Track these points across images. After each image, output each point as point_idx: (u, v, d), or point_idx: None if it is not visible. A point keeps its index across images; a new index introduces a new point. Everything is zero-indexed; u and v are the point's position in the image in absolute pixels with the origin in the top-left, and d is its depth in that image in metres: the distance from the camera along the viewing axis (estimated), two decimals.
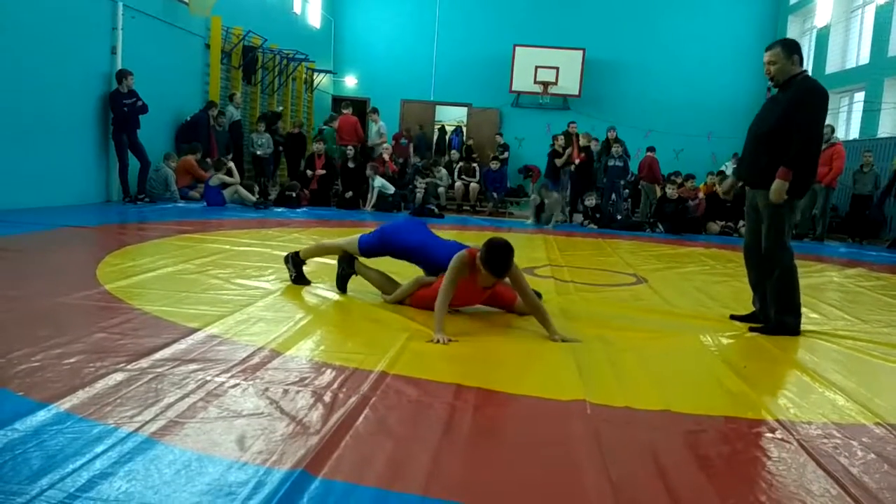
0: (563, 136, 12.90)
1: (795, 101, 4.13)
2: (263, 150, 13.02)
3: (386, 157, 13.20)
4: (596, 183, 13.15)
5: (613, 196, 12.91)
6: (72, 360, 2.88)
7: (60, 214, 7.82)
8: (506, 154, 15.13)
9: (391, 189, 12.17)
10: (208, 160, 11.48)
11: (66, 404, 2.40)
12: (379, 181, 12.06)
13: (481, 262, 3.83)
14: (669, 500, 2.01)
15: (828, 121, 13.38)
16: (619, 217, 12.59)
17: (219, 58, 12.52)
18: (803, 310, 5.06)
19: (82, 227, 7.20)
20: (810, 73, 15.72)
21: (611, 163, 12.86)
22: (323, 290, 4.71)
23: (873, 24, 14.46)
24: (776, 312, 4.35)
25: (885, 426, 2.76)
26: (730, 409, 2.90)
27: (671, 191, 11.81)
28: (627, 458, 2.31)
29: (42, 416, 2.29)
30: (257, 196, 11.09)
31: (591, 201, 12.13)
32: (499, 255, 3.81)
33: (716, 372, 3.45)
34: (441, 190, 13.38)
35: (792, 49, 4.25)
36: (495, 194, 13.80)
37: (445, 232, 9.34)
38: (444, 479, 2.07)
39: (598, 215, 12.06)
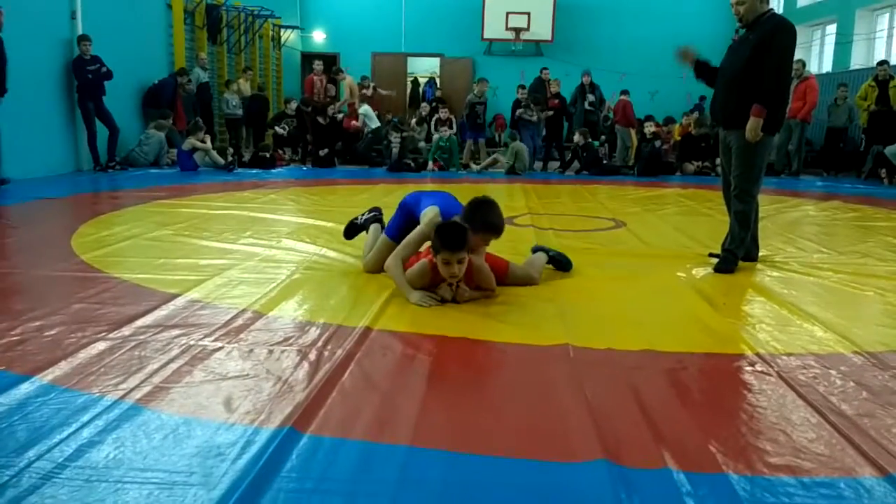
0: (522, 88, 12.91)
1: (764, 39, 4.14)
2: (234, 112, 12.84)
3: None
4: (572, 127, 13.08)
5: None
6: (52, 332, 2.86)
7: (30, 187, 7.68)
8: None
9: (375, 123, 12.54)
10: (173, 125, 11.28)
11: (48, 376, 2.39)
12: (364, 108, 12.42)
13: (434, 252, 3.41)
14: (652, 435, 2.05)
15: (800, 55, 13.50)
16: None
17: (182, 18, 12.21)
18: (781, 244, 5.15)
19: (54, 198, 7.08)
20: (782, 8, 15.54)
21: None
22: (304, 249, 4.68)
23: None
24: (724, 249, 4.45)
25: (862, 354, 2.81)
26: (710, 346, 2.95)
27: (649, 130, 11.73)
28: (610, 397, 2.35)
29: (25, 388, 2.28)
30: (229, 158, 10.95)
31: (579, 139, 11.93)
32: (445, 232, 3.36)
33: (696, 310, 3.49)
34: (422, 144, 13.24)
35: None
36: (478, 145, 13.69)
37: (426, 186, 9.31)
38: (431, 429, 2.09)
39: (584, 154, 11.88)
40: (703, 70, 4.57)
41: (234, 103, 12.82)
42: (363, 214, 4.64)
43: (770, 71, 4.11)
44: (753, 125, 4.14)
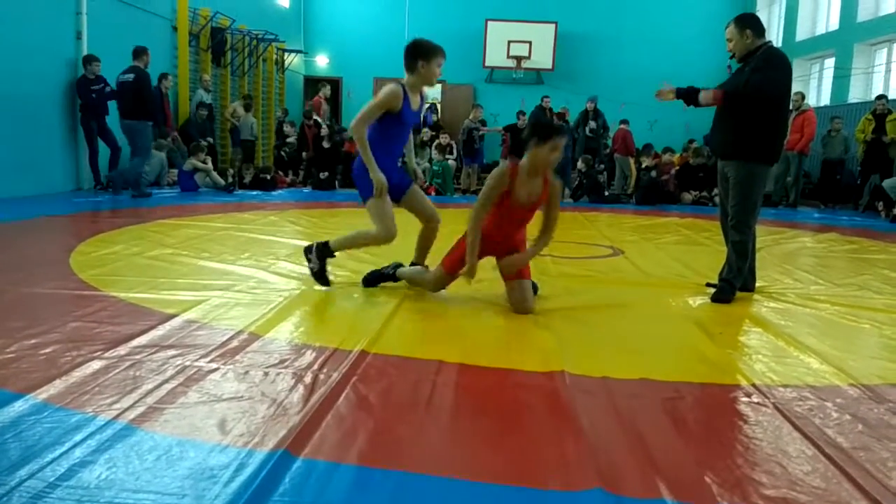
0: (521, 115, 13.04)
1: (754, 68, 4.19)
2: (253, 135, 13.01)
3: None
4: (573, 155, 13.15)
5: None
6: (48, 350, 2.85)
7: (30, 204, 7.70)
8: (483, 131, 15.07)
9: None
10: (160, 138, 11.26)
11: (43, 394, 2.38)
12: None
13: (533, 142, 3.80)
14: (648, 465, 2.04)
15: (798, 88, 13.58)
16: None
17: (187, 40, 12.30)
18: (778, 275, 5.15)
19: (54, 216, 7.09)
20: (780, 41, 15.58)
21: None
22: (302, 271, 4.68)
23: None
24: (721, 279, 4.45)
25: (858, 387, 2.81)
26: (706, 376, 2.94)
27: (648, 161, 11.80)
28: (606, 425, 2.34)
29: (19, 406, 2.27)
30: (230, 180, 10.98)
31: (581, 165, 12.01)
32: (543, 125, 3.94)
33: (692, 339, 3.49)
34: (426, 165, 13.29)
35: (744, 24, 4.30)
36: (470, 171, 13.76)
37: None
38: (425, 455, 2.08)
39: (585, 181, 11.93)
40: (691, 98, 4.45)
41: (251, 127, 12.98)
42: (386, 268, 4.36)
43: (754, 84, 4.11)
44: (689, 92, 4.30)
